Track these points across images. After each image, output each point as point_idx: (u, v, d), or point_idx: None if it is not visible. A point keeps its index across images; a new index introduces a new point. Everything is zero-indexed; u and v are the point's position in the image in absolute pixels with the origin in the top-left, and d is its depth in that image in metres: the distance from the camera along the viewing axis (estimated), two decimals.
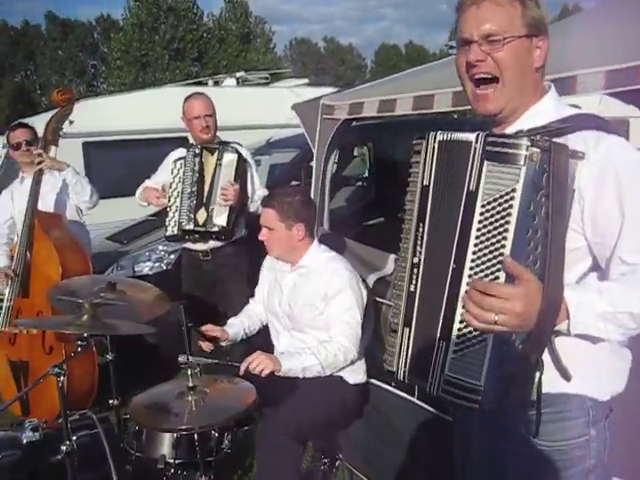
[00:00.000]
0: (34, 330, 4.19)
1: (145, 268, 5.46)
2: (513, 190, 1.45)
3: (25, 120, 5.32)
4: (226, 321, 3.43)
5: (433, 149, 1.65)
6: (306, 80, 11.29)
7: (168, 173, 4.34)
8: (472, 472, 1.97)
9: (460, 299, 1.52)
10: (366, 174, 7.41)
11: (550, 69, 1.75)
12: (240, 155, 4.19)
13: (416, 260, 1.68)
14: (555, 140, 1.50)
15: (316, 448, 3.22)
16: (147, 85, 28.81)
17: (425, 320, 1.65)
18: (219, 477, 2.69)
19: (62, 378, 2.38)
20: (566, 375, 1.62)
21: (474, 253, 1.51)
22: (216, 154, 4.19)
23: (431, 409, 3.06)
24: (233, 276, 4.24)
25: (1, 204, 4.77)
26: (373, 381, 3.34)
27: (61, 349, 4.14)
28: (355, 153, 7.70)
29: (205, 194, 4.18)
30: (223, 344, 3.30)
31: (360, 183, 7.32)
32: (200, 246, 4.30)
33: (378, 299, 3.42)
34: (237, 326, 3.37)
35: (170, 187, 4.29)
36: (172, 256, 5.45)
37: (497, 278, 1.47)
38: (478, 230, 1.50)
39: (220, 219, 4.11)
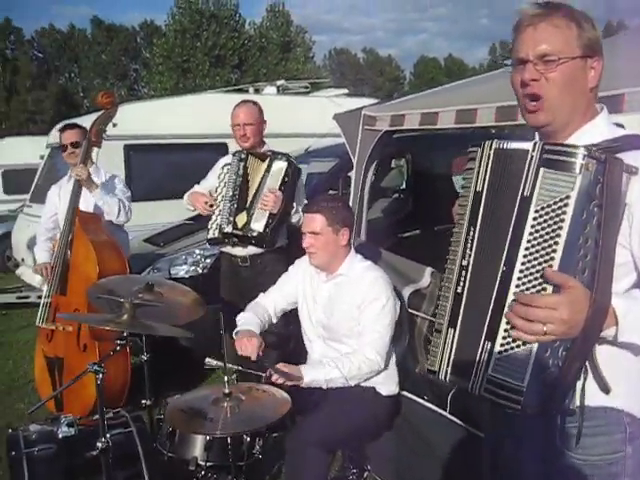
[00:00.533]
0: (70, 327, 4.26)
1: (181, 271, 5.51)
2: (567, 197, 1.48)
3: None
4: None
5: (488, 156, 1.68)
6: (346, 90, 11.31)
7: (216, 178, 4.39)
8: None
9: (507, 304, 1.54)
10: (403, 186, 7.39)
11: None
12: (290, 165, 4.20)
13: (465, 263, 1.70)
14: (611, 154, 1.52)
15: (345, 458, 3.21)
16: (187, 91, 29.16)
17: (471, 321, 1.67)
18: None
19: (100, 376, 2.42)
20: (605, 387, 1.62)
21: (525, 257, 1.53)
22: (267, 162, 4.21)
23: (462, 424, 3.04)
24: (271, 284, 4.25)
25: (49, 198, 4.92)
26: (405, 393, 3.33)
27: (95, 347, 4.20)
28: (392, 165, 7.68)
29: (248, 199, 4.20)
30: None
31: (397, 195, 7.30)
32: (239, 251, 4.31)
33: (413, 312, 3.42)
34: (258, 327, 3.23)
35: (216, 191, 4.32)
36: (208, 260, 5.50)
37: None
38: (530, 234, 1.52)
39: (258, 225, 4.12)
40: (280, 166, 4.18)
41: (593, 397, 1.63)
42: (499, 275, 1.59)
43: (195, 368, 5.25)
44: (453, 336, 1.72)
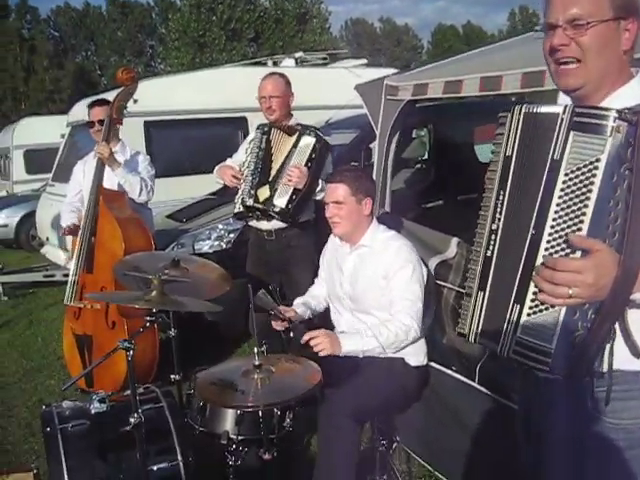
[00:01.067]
0: (98, 305, 4.29)
1: (205, 246, 5.53)
2: (597, 160, 1.47)
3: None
4: (289, 302, 3.45)
5: (518, 121, 1.67)
6: (365, 61, 11.17)
7: (244, 152, 4.38)
8: (540, 450, 1.96)
9: (537, 265, 1.54)
10: (425, 156, 7.33)
11: None
12: (319, 140, 4.14)
13: (494, 227, 1.71)
14: None
15: (374, 429, 3.22)
16: (204, 66, 29.07)
17: (500, 284, 1.69)
18: (281, 454, 2.72)
19: (131, 352, 2.44)
20: (637, 351, 1.62)
21: (554, 219, 1.53)
22: (295, 137, 4.16)
23: (491, 394, 3.04)
24: (298, 257, 4.23)
25: (74, 175, 4.95)
26: (433, 364, 3.33)
27: (123, 324, 4.24)
28: (414, 135, 7.62)
29: (272, 172, 4.16)
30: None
31: (419, 165, 7.25)
32: (264, 225, 4.30)
33: (440, 282, 3.40)
34: (304, 306, 3.39)
35: (243, 165, 4.31)
36: (232, 235, 5.51)
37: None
38: (559, 198, 1.52)
39: (280, 200, 4.08)
40: (308, 142, 4.13)
41: (624, 361, 1.63)
42: (528, 239, 1.59)
43: (222, 343, 5.35)
44: (483, 299, 1.74)
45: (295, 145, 4.14)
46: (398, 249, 3.11)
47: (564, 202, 1.51)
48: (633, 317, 1.59)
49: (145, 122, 7.84)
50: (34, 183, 13.30)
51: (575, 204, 1.49)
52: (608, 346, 1.59)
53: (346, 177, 3.13)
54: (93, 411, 2.76)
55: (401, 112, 3.87)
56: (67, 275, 4.63)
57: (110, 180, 4.50)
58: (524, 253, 1.60)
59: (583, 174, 1.48)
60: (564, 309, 1.50)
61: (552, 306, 1.51)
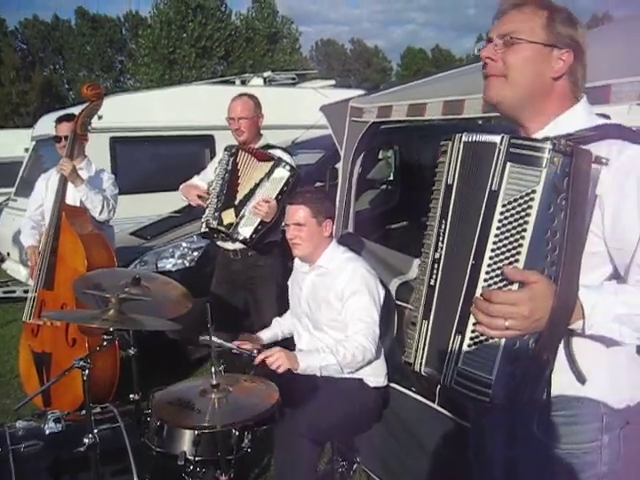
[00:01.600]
0: (58, 322, 4.22)
1: (168, 264, 5.48)
2: (533, 191, 1.48)
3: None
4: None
5: (458, 149, 1.68)
6: (333, 82, 11.27)
7: (213, 171, 4.36)
8: (488, 474, 1.98)
9: (476, 296, 1.54)
10: (391, 177, 7.39)
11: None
12: (293, 175, 4.09)
13: (437, 255, 1.71)
14: (578, 146, 1.52)
15: (334, 450, 3.21)
16: (174, 82, 29.01)
17: (443, 314, 1.69)
18: (238, 475, 2.69)
19: (87, 371, 2.40)
20: (581, 378, 1.64)
21: (492, 251, 1.53)
22: (269, 166, 4.10)
23: (451, 415, 3.05)
24: (263, 276, 4.21)
25: (36, 189, 4.89)
26: (394, 385, 3.33)
27: (84, 342, 4.17)
28: (380, 156, 7.68)
29: (239, 197, 4.12)
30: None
31: (385, 186, 7.30)
32: (229, 245, 4.29)
33: (401, 303, 3.41)
34: (275, 328, 3.44)
35: (211, 185, 4.29)
36: (195, 253, 5.48)
37: None
38: (498, 229, 1.53)
39: (246, 230, 4.05)
40: (282, 175, 4.08)
41: (569, 386, 1.66)
42: (469, 269, 1.59)
43: (183, 361, 5.29)
44: (427, 328, 1.74)
45: (268, 175, 4.09)
46: (353, 271, 3.12)
47: (502, 233, 1.52)
48: (578, 344, 1.61)
49: (111, 138, 7.79)
50: None
51: (512, 235, 1.51)
52: (551, 374, 1.59)
53: (307, 199, 3.15)
54: (47, 431, 2.72)
55: (366, 134, 3.91)
56: (27, 292, 4.55)
57: (73, 196, 4.45)
58: (465, 283, 1.60)
59: (520, 205, 1.50)
60: (504, 340, 1.51)
61: (492, 338, 1.52)
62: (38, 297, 4.34)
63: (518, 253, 1.49)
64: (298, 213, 3.15)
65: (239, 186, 4.16)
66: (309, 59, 54.68)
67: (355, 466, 3.38)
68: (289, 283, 3.53)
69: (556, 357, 1.57)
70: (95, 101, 4.45)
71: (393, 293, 3.44)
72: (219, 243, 4.37)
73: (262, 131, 4.43)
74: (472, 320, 1.56)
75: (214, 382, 2.48)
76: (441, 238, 1.70)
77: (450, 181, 1.69)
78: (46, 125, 7.70)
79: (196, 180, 4.49)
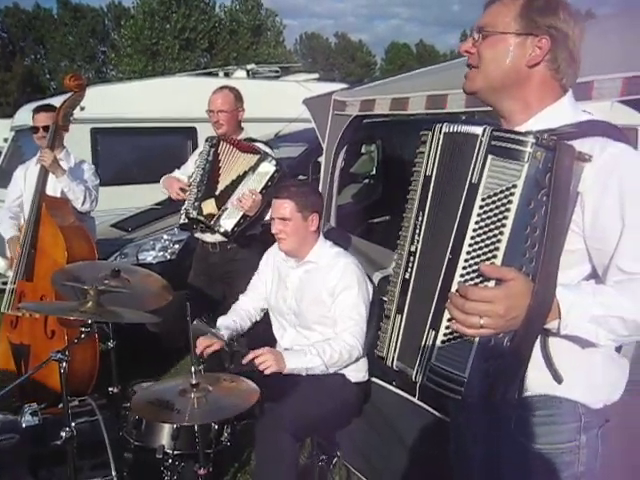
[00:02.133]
0: (37, 314, 4.18)
1: (149, 257, 5.46)
2: (514, 186, 1.45)
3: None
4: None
5: (438, 140, 1.66)
6: (316, 75, 11.25)
7: (193, 163, 4.33)
8: (466, 471, 1.98)
9: (451, 292, 1.51)
10: (373, 172, 7.38)
11: None
12: (278, 171, 4.05)
13: (413, 248, 1.68)
14: (562, 141, 1.49)
15: (314, 445, 3.20)
16: (156, 74, 28.83)
17: (417, 308, 1.66)
18: (217, 469, 2.69)
19: (64, 364, 2.38)
20: (557, 377, 1.62)
21: (470, 245, 1.50)
22: (255, 159, 4.06)
23: (431, 410, 3.05)
24: (242, 270, 4.16)
25: (14, 179, 4.80)
26: (375, 380, 3.33)
27: (63, 334, 4.12)
28: (363, 150, 7.67)
29: (220, 187, 4.10)
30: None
31: (367, 181, 7.30)
32: (209, 237, 4.25)
33: (383, 298, 3.41)
34: (230, 328, 3.28)
35: (191, 177, 4.26)
36: (176, 246, 5.46)
37: None
38: (476, 223, 1.50)
39: (228, 223, 4.02)
40: (267, 169, 4.04)
41: (546, 386, 1.64)
42: (445, 263, 1.56)
43: (163, 354, 5.26)
44: (400, 322, 1.71)
45: (253, 169, 4.05)
46: (345, 267, 3.11)
47: (480, 227, 1.49)
48: (554, 344, 1.60)
49: (92, 129, 7.72)
50: None
51: (491, 230, 1.47)
52: (525, 372, 1.57)
53: (292, 193, 3.11)
54: (24, 424, 2.68)
55: (348, 127, 3.90)
56: (6, 283, 4.50)
57: (53, 187, 4.40)
58: (441, 278, 1.57)
59: (500, 200, 1.47)
60: (477, 338, 1.48)
61: (466, 335, 1.49)
62: (17, 288, 4.29)
63: (496, 249, 1.46)
64: (283, 207, 3.11)
65: (220, 177, 4.13)
66: (293, 52, 54.61)
67: (335, 460, 3.37)
68: (264, 277, 3.46)
69: (531, 356, 1.55)
70: (77, 92, 4.41)
71: (375, 287, 3.43)
72: (198, 235, 4.33)
73: (245, 124, 4.40)
74: (447, 316, 1.52)
75: (194, 382, 2.45)
76: (418, 230, 1.67)
77: (429, 172, 1.67)
78: (26, 115, 7.57)
79: (177, 174, 4.45)
